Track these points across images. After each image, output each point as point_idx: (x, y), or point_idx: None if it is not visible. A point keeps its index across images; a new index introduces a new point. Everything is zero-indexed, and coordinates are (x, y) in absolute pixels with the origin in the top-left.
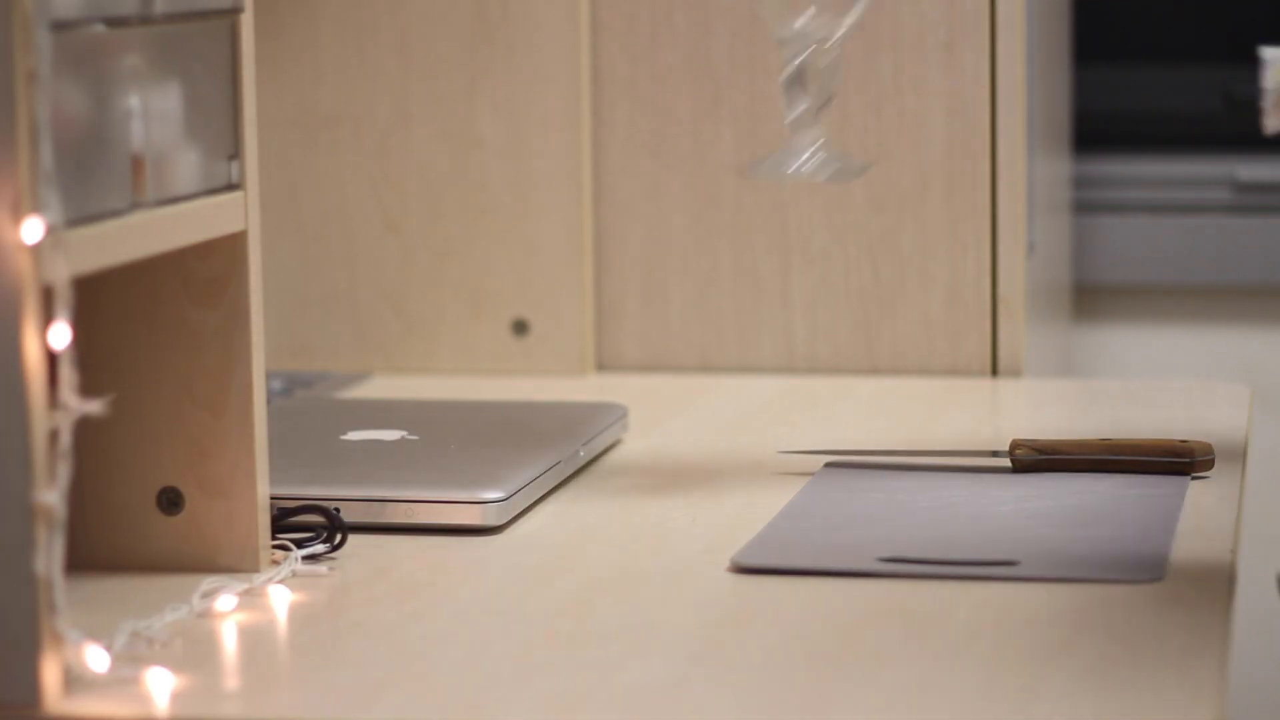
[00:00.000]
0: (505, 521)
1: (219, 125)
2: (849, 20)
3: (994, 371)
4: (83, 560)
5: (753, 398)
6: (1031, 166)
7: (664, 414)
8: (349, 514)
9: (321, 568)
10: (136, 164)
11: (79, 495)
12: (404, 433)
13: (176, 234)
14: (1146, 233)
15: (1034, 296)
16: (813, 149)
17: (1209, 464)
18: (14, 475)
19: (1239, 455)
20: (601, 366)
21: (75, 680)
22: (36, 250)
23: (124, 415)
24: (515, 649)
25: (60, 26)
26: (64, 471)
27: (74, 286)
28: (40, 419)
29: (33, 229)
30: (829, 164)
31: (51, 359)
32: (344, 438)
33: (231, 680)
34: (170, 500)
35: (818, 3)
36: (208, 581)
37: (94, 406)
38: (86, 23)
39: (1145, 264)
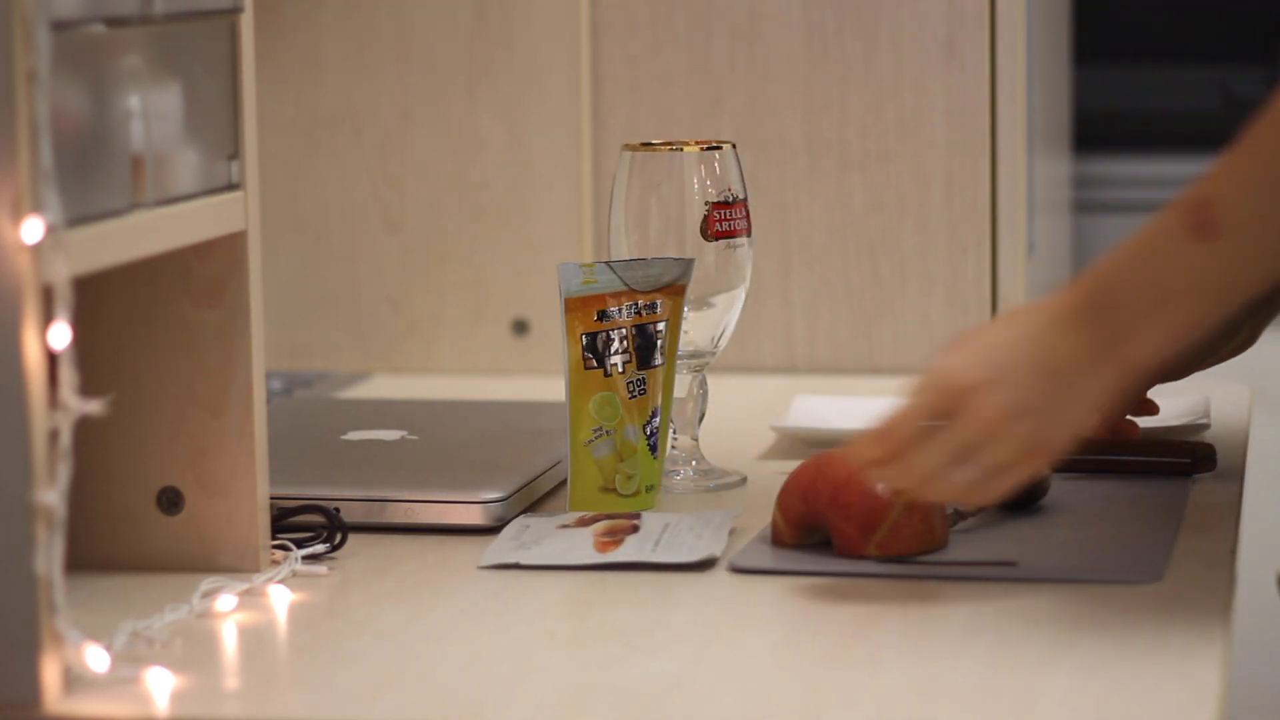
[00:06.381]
0: (505, 521)
1: (219, 125)
2: None
3: None
4: (83, 560)
5: (753, 398)
6: (1031, 166)
7: None
8: (349, 514)
9: (321, 568)
10: (136, 164)
11: (79, 495)
12: (404, 433)
13: (176, 234)
14: None
15: (1034, 297)
16: None
17: (1209, 464)
18: (14, 475)
19: (1239, 455)
20: None
21: (75, 680)
22: (36, 250)
23: (124, 415)
24: (515, 649)
25: (60, 26)
26: (64, 471)
27: (74, 286)
28: (40, 419)
29: (33, 229)
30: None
31: (51, 359)
32: (344, 438)
33: (231, 680)
34: (170, 500)
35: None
36: (208, 581)
37: (94, 406)
38: (86, 23)
39: None
